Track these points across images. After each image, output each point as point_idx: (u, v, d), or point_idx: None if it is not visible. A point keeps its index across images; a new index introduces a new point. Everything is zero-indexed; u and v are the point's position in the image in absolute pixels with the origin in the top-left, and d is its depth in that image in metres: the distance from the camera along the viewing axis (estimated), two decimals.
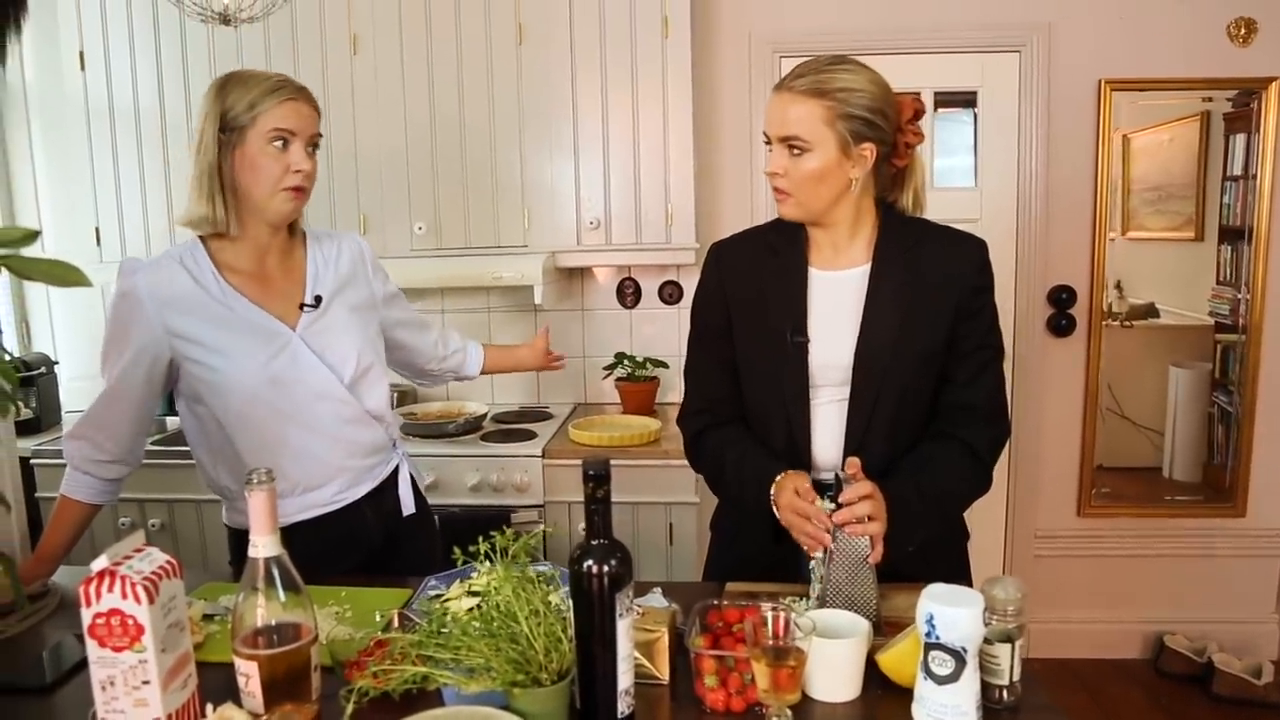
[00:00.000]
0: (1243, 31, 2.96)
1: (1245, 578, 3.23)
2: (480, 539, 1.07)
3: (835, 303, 1.52)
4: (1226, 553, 3.21)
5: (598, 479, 1.02)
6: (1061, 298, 3.11)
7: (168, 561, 1.05)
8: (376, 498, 1.73)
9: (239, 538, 1.68)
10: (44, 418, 3.02)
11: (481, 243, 2.89)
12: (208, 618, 1.41)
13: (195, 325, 1.54)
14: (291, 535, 1.60)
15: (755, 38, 3.05)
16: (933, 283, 1.49)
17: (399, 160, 2.88)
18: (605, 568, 1.02)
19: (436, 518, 1.92)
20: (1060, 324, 3.13)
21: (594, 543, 1.04)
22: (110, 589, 0.98)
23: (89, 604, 0.98)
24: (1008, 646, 1.12)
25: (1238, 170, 3.09)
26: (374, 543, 1.73)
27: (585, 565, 1.03)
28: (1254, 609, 3.24)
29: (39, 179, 3.33)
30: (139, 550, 1.04)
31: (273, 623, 1.07)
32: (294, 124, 1.53)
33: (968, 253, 1.52)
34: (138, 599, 0.98)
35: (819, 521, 1.34)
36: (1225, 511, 3.20)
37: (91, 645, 0.99)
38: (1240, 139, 3.09)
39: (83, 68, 2.90)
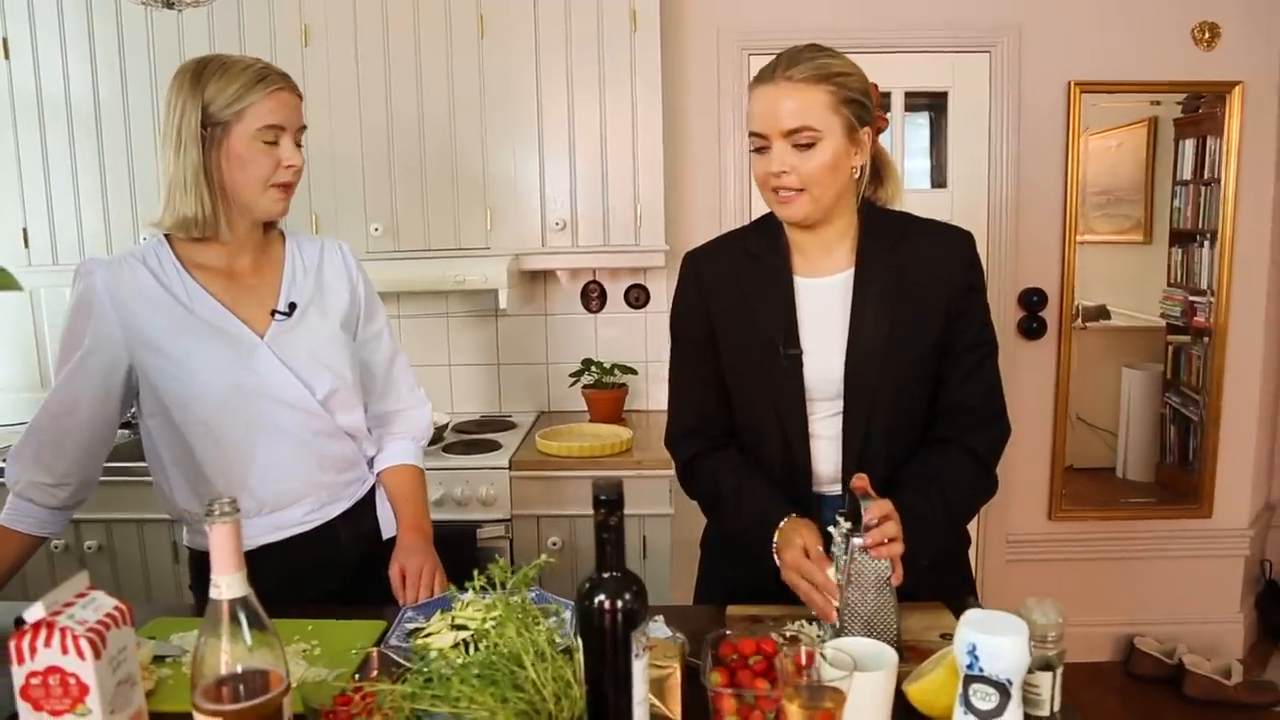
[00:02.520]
0: (1206, 35, 2.97)
1: (1211, 578, 3.24)
2: (476, 572, 0.95)
3: (822, 311, 1.44)
4: (1194, 553, 3.22)
5: (610, 505, 0.91)
6: (1033, 300, 3.09)
7: (116, 607, 0.91)
8: (352, 519, 1.61)
9: (203, 562, 1.53)
10: None
11: (441, 244, 2.76)
12: (159, 659, 1.27)
13: (156, 328, 1.42)
14: (258, 559, 1.47)
15: (723, 33, 2.97)
16: (920, 282, 1.42)
17: (353, 157, 2.73)
18: (619, 603, 0.91)
19: None
20: (1031, 327, 3.10)
21: (605, 575, 0.93)
22: (48, 643, 0.84)
23: (21, 661, 0.84)
24: (1049, 675, 1.04)
25: (1188, 175, 3.12)
26: (348, 567, 1.60)
27: (596, 600, 0.91)
28: (1220, 609, 3.26)
29: None
30: (81, 595, 0.91)
31: (238, 670, 0.94)
32: (283, 118, 1.43)
33: (954, 248, 1.46)
34: (81, 654, 0.84)
35: (829, 593, 1.24)
36: (1193, 513, 3.21)
37: (25, 709, 0.85)
38: (1190, 144, 3.11)
39: (6, 56, 2.70)
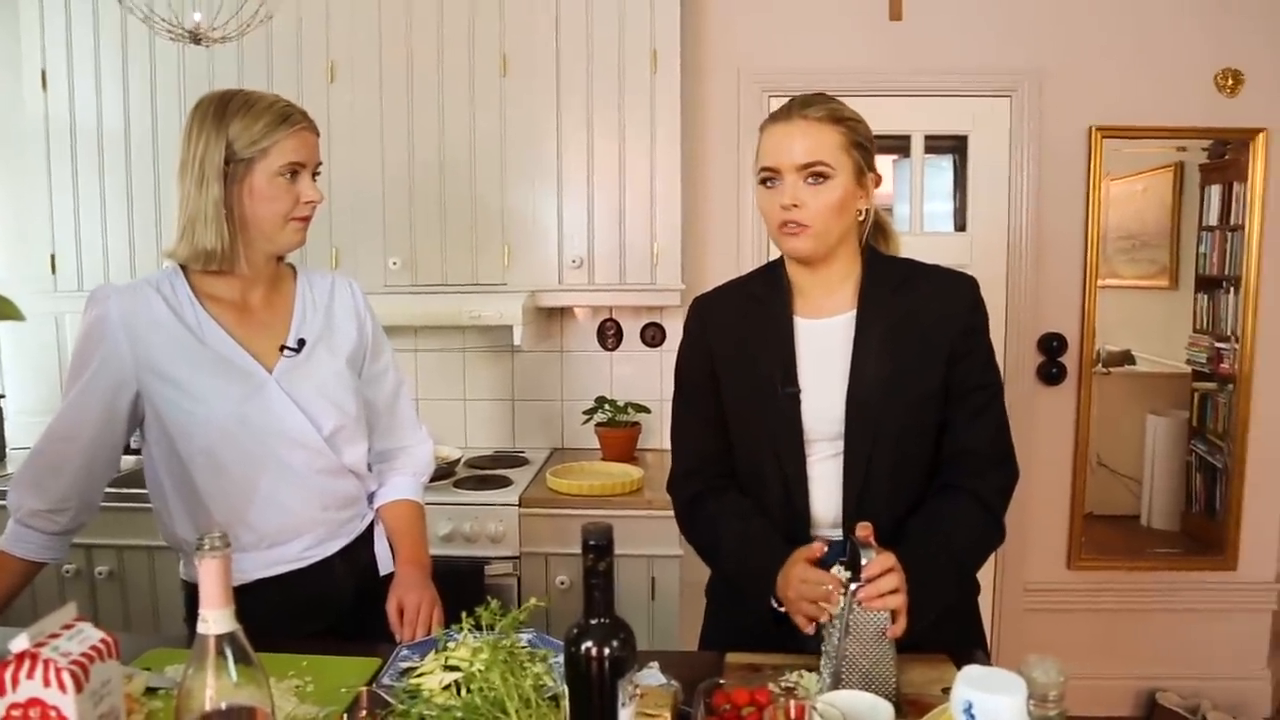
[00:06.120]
0: (1230, 82, 2.96)
1: (1237, 632, 3.15)
2: (464, 614, 0.95)
3: (823, 352, 1.45)
4: (1218, 606, 3.14)
5: (599, 550, 0.91)
6: (1052, 346, 3.05)
7: (102, 640, 0.91)
8: (349, 555, 1.60)
9: (197, 595, 1.53)
10: None
11: (459, 280, 2.78)
12: (151, 691, 1.26)
13: (166, 357, 1.43)
14: (254, 593, 1.48)
15: (743, 75, 2.99)
16: (923, 324, 1.43)
17: (374, 192, 2.77)
18: (606, 650, 0.90)
19: None
20: (1051, 372, 3.07)
21: (593, 622, 0.92)
22: (30, 675, 0.84)
23: (3, 693, 0.84)
24: None
25: (1214, 220, 3.09)
26: (345, 604, 1.59)
27: (584, 647, 0.91)
28: (1245, 664, 3.16)
29: None
30: (69, 627, 0.91)
31: (223, 706, 0.94)
32: (304, 155, 1.46)
33: (958, 292, 1.46)
34: (62, 687, 0.84)
35: (828, 581, 1.24)
36: (1216, 565, 3.13)
37: None
38: (1216, 189, 3.09)
39: (44, 88, 2.77)
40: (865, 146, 1.42)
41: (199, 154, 1.41)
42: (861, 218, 1.45)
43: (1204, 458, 3.19)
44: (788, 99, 1.46)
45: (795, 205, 1.38)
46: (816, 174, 1.37)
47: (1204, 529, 3.18)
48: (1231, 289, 3.07)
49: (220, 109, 1.42)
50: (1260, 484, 3.08)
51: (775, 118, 1.44)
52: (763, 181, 1.43)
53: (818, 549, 1.31)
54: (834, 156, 1.38)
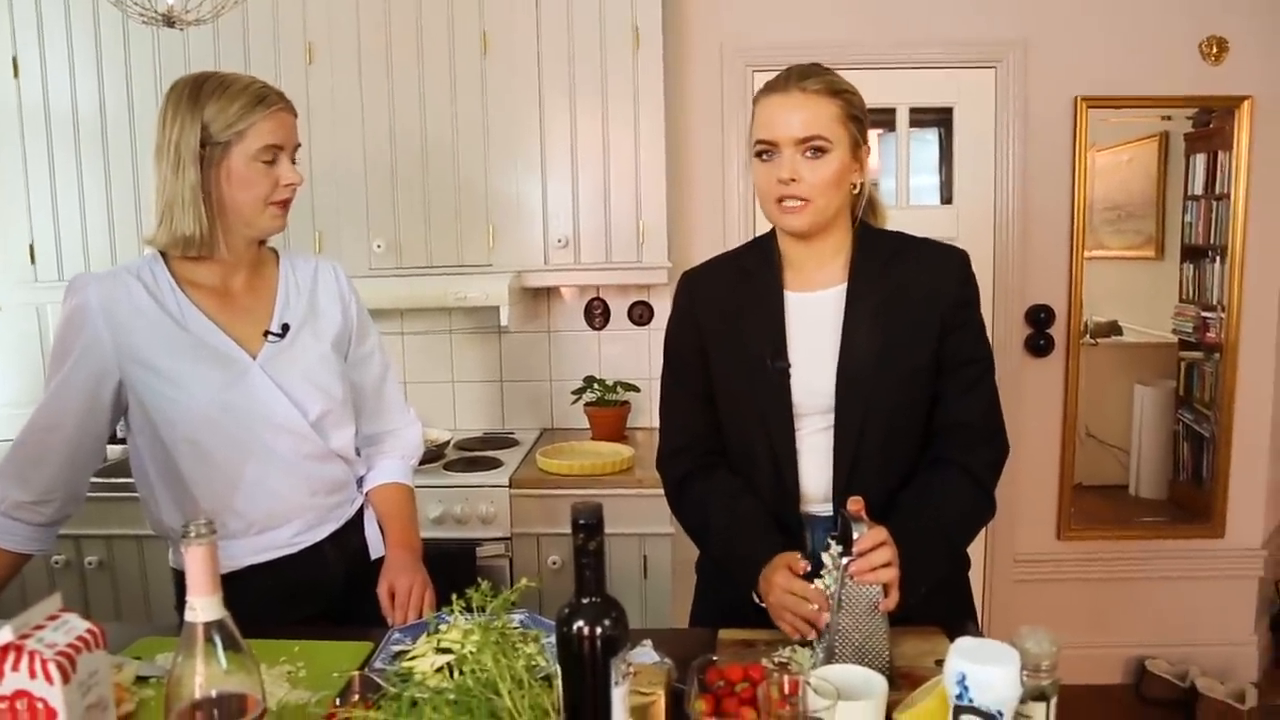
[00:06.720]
0: (1214, 50, 2.95)
1: (1224, 599, 3.19)
2: (455, 596, 0.94)
3: (813, 326, 1.45)
4: (1206, 574, 3.17)
5: (589, 529, 0.90)
6: (1040, 317, 3.06)
7: (88, 630, 0.90)
8: (340, 540, 1.59)
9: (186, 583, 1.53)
10: None
11: (444, 262, 2.76)
12: (142, 680, 1.26)
13: (148, 344, 1.41)
14: (245, 579, 1.47)
15: (726, 49, 2.97)
16: (914, 298, 1.42)
17: (356, 175, 2.74)
18: (598, 630, 0.90)
19: None
20: (1039, 344, 3.07)
21: (585, 601, 0.91)
22: (15, 667, 0.83)
23: None
24: (1042, 705, 1.01)
25: (1199, 190, 3.09)
26: (336, 588, 1.58)
27: (575, 627, 0.90)
28: (1234, 630, 3.20)
29: None
30: (53, 618, 0.90)
31: (213, 694, 0.93)
32: (282, 137, 1.44)
33: (949, 265, 1.46)
34: (49, 678, 0.83)
35: (814, 599, 1.24)
36: (1204, 532, 3.16)
37: None
38: (1201, 159, 3.09)
39: (16, 75, 2.72)
40: (860, 119, 1.41)
41: (174, 138, 1.39)
42: (856, 191, 1.44)
43: (1191, 426, 3.21)
44: (775, 73, 1.43)
45: (793, 179, 1.36)
46: (815, 147, 1.36)
47: (1192, 497, 3.21)
48: (1217, 258, 3.08)
49: (195, 92, 1.40)
50: (1246, 451, 3.10)
51: (771, 89, 1.41)
52: (758, 154, 1.41)
53: (801, 565, 1.30)
54: (831, 129, 1.36)
